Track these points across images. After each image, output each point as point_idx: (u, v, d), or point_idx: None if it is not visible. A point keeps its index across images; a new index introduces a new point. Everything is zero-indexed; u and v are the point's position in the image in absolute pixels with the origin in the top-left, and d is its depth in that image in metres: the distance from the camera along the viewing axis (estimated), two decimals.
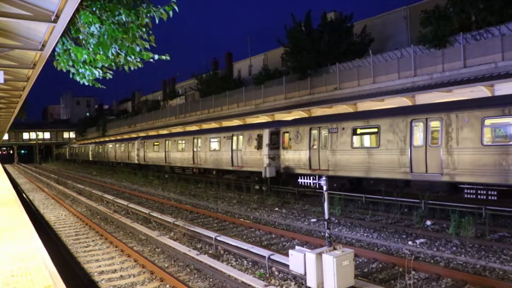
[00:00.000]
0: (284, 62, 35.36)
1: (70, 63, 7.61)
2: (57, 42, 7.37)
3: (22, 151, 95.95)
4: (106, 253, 11.16)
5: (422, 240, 11.15)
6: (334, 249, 7.40)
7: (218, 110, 40.05)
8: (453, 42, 21.37)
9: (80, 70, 7.55)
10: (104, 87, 8.58)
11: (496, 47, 18.75)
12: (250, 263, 9.68)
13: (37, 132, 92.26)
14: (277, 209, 16.82)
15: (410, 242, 11.00)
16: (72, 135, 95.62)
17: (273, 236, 12.54)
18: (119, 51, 7.22)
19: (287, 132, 20.37)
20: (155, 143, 36.13)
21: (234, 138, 24.14)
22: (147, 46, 7.27)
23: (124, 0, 6.83)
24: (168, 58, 7.51)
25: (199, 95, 48.65)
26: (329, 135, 17.74)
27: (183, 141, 30.70)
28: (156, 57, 7.44)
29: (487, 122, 12.59)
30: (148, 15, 6.76)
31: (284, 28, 32.33)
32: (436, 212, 13.80)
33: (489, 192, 12.68)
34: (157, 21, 6.73)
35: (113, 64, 7.51)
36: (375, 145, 15.94)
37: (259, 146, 21.81)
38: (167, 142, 33.68)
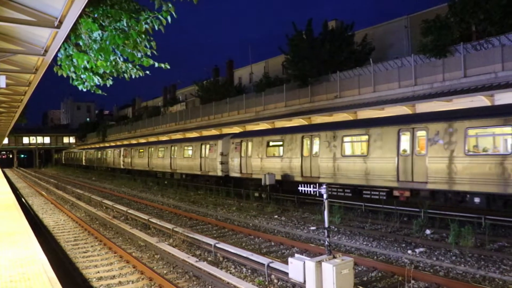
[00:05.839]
0: (285, 70, 35.42)
1: (72, 69, 7.63)
2: (60, 47, 7.41)
3: (22, 156, 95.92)
4: (105, 259, 11.12)
5: (421, 249, 11.13)
6: (334, 257, 7.38)
7: (219, 117, 40.05)
8: (453, 51, 21.46)
9: (82, 76, 7.58)
10: (105, 94, 8.58)
11: (496, 57, 18.82)
12: (249, 271, 9.65)
13: (37, 137, 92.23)
14: (276, 216, 16.79)
15: (409, 251, 10.97)
16: (72, 140, 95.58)
17: (273, 243, 12.50)
18: (118, 59, 7.23)
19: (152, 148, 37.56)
20: (90, 152, 59.72)
21: (132, 151, 42.47)
22: (149, 52, 7.28)
23: (126, 6, 6.86)
24: (168, 67, 7.47)
25: (199, 102, 48.67)
26: (174, 148, 32.63)
27: (110, 151, 50.85)
28: (156, 64, 7.44)
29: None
30: (148, 21, 6.76)
31: (285, 36, 32.49)
32: (436, 221, 13.78)
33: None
34: (156, 28, 6.73)
35: (114, 70, 7.52)
36: (188, 155, 30.18)
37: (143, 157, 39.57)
38: (99, 151, 56.06)
